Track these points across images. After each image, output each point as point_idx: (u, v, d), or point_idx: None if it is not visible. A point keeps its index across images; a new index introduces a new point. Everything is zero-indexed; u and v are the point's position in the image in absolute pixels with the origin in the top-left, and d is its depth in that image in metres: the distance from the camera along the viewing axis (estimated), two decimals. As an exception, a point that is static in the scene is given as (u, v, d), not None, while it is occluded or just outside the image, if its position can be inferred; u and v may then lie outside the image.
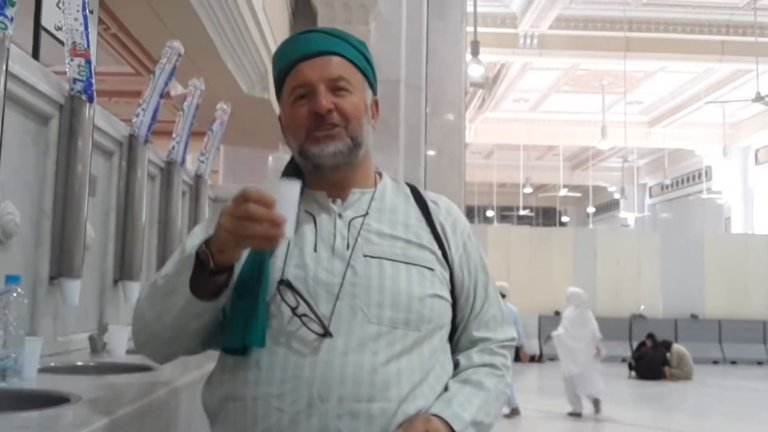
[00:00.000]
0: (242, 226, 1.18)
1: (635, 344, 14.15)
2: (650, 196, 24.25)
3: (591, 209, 24.87)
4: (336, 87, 1.39)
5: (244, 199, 1.19)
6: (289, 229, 1.22)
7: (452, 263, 1.43)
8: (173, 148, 3.68)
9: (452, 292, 1.43)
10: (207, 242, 1.25)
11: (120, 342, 2.63)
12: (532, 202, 26.54)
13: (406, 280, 1.35)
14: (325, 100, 1.37)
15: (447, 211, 1.49)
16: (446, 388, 1.36)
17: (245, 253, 1.34)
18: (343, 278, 1.32)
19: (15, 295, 1.77)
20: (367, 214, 1.41)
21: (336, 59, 1.41)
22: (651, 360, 12.88)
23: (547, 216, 28.57)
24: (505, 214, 28.07)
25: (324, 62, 1.40)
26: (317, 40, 1.43)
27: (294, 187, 1.25)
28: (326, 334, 1.28)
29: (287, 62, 1.42)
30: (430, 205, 1.48)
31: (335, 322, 1.29)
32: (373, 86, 1.49)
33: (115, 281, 3.06)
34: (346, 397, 1.25)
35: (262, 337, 1.29)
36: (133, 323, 1.40)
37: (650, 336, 13.57)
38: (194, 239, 1.38)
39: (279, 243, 1.22)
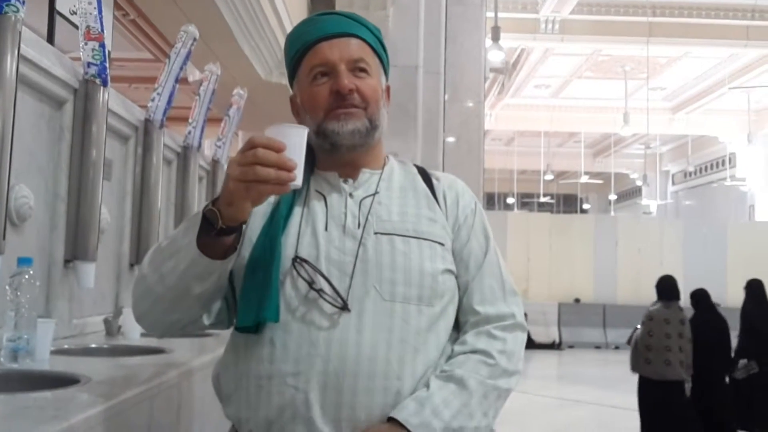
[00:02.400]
0: (251, 171, 1.16)
1: (656, 332, 14.02)
2: (673, 183, 23.99)
3: (613, 196, 24.66)
4: (356, 68, 1.40)
5: (252, 146, 1.17)
6: (297, 175, 1.19)
7: (453, 235, 1.42)
8: (189, 133, 3.70)
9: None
10: (214, 201, 1.24)
11: (135, 325, 2.63)
12: (553, 189, 26.36)
13: (418, 255, 1.34)
14: (348, 80, 1.37)
15: (449, 186, 1.48)
16: (428, 385, 1.29)
17: (257, 231, 1.34)
18: (356, 257, 1.32)
19: (27, 277, 1.79)
20: (377, 192, 1.41)
21: (355, 41, 1.42)
22: (672, 348, 12.75)
23: (568, 203, 28.38)
24: (526, 201, 27.92)
25: (344, 43, 1.41)
26: (337, 21, 1.44)
27: (302, 131, 1.23)
28: (344, 307, 1.27)
29: (306, 42, 1.42)
30: (434, 182, 1.48)
31: (349, 301, 1.29)
32: (386, 72, 1.50)
33: (131, 265, 3.08)
34: (361, 374, 1.25)
35: (276, 312, 1.27)
36: (134, 290, 1.37)
37: (672, 324, 13.44)
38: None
39: (289, 189, 1.20)
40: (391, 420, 1.24)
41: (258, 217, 1.35)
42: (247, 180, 1.17)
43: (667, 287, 6.30)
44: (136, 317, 1.40)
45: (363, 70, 1.40)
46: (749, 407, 6.50)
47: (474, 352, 1.34)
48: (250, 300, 1.30)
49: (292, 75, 1.48)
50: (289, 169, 1.17)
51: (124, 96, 3.07)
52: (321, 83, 1.39)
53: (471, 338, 1.36)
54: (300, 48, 1.43)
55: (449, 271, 1.38)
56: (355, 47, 1.41)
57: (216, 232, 1.23)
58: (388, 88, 1.50)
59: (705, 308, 6.68)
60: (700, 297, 6.83)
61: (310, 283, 1.29)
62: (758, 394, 6.57)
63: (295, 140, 1.20)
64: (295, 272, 1.30)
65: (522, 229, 15.86)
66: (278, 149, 1.17)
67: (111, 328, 2.66)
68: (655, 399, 5.99)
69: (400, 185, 1.45)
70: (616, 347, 15.12)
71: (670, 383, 5.81)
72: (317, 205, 1.39)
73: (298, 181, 1.20)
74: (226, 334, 1.44)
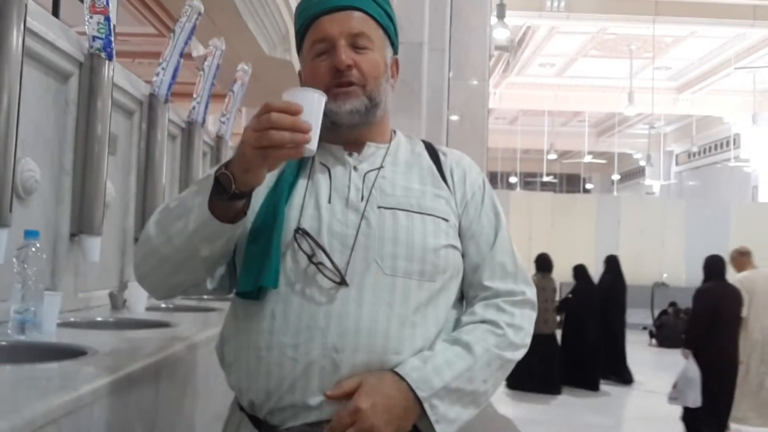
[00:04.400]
0: (266, 136, 1.15)
1: (657, 312, 14.08)
2: (677, 163, 23.91)
3: (616, 176, 24.60)
4: (356, 43, 1.38)
5: (267, 110, 1.16)
6: (313, 139, 1.18)
7: (460, 211, 1.42)
8: (194, 108, 3.69)
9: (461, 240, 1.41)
10: (226, 165, 1.23)
11: (140, 299, 2.66)
12: (556, 168, 26.28)
13: (421, 230, 1.34)
14: (345, 55, 1.36)
15: (457, 162, 1.47)
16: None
17: (260, 199, 1.34)
18: (358, 230, 1.32)
19: (34, 249, 1.80)
20: (382, 167, 1.40)
21: (357, 14, 1.39)
22: (672, 328, 12.82)
23: (571, 183, 28.32)
24: (529, 181, 27.87)
25: (345, 17, 1.38)
26: None
27: (319, 96, 1.22)
28: (342, 282, 1.27)
29: (308, 16, 1.41)
30: (441, 157, 1.47)
31: (350, 274, 1.28)
32: (394, 44, 1.47)
33: (136, 239, 3.08)
34: (361, 348, 1.25)
35: (276, 278, 1.28)
36: (137, 251, 1.37)
37: (672, 304, 13.50)
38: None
39: (304, 152, 1.19)
40: (395, 373, 1.25)
41: (262, 185, 1.35)
42: (261, 146, 1.16)
43: (543, 262, 8.32)
44: (138, 278, 1.40)
45: (364, 45, 1.38)
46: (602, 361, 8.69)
47: (483, 321, 1.35)
48: (251, 266, 1.30)
49: (299, 49, 1.47)
50: (304, 132, 1.17)
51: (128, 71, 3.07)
52: (321, 60, 1.38)
53: (480, 309, 1.37)
54: (303, 23, 1.42)
55: (452, 246, 1.38)
56: (356, 21, 1.39)
57: (229, 196, 1.23)
58: (395, 62, 1.47)
59: (583, 280, 8.73)
60: (580, 271, 8.81)
61: (310, 256, 1.29)
62: (611, 350, 8.76)
63: (311, 104, 1.19)
64: (296, 244, 1.30)
65: (524, 208, 15.84)
66: (294, 112, 1.16)
67: (116, 301, 2.68)
68: (538, 350, 7.79)
69: (406, 160, 1.44)
70: (617, 326, 15.19)
71: (546, 336, 7.79)
72: (321, 178, 1.38)
73: (313, 145, 1.19)
74: (227, 299, 1.44)
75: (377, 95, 1.39)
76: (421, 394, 1.24)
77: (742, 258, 6.73)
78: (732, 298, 5.96)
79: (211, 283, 1.40)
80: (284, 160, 1.23)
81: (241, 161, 1.20)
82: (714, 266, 6.11)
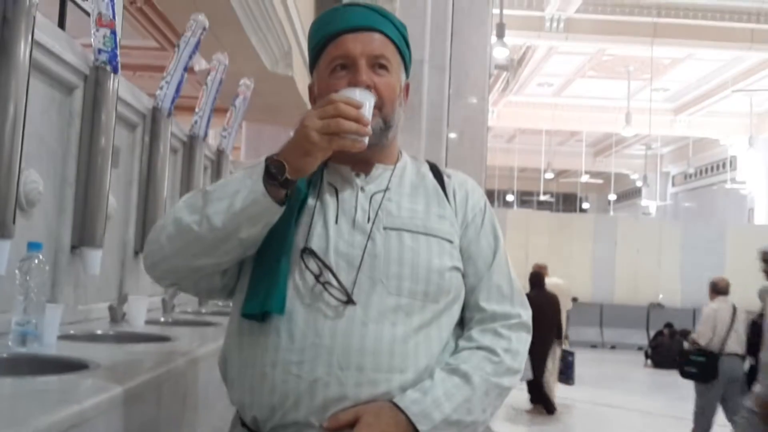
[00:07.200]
0: (335, 123, 1.23)
1: (652, 333, 14.07)
2: (673, 184, 23.99)
3: (612, 196, 24.66)
4: (376, 64, 1.39)
5: (331, 101, 1.24)
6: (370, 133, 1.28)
7: (460, 232, 1.43)
8: (196, 122, 3.70)
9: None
10: (276, 154, 1.28)
11: (139, 312, 2.65)
12: (553, 187, 26.36)
13: (426, 251, 1.35)
14: (366, 75, 1.37)
15: (460, 184, 1.49)
16: (432, 377, 1.31)
17: None
18: (364, 250, 1.33)
19: (37, 261, 1.79)
20: (388, 188, 1.42)
21: (378, 36, 1.41)
22: (668, 349, 12.82)
23: (567, 202, 28.38)
24: (526, 199, 27.93)
25: (367, 38, 1.40)
26: (362, 14, 1.42)
27: (372, 96, 1.32)
28: (349, 301, 1.28)
29: (329, 32, 1.42)
30: (445, 179, 1.49)
31: (356, 293, 1.29)
32: (407, 69, 1.49)
33: (136, 252, 3.08)
34: (366, 367, 1.26)
35: (282, 304, 1.29)
36: (157, 234, 1.34)
37: (668, 325, 13.50)
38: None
39: (365, 145, 1.28)
40: (393, 405, 1.26)
41: None
42: (329, 132, 1.23)
43: None
44: (153, 261, 1.36)
45: (383, 66, 1.40)
46: None
47: (479, 348, 1.36)
48: (257, 289, 1.31)
49: (312, 63, 1.48)
50: (365, 125, 1.25)
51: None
52: (339, 76, 1.39)
53: (476, 335, 1.38)
54: (323, 37, 1.42)
55: (456, 268, 1.39)
56: (377, 42, 1.40)
57: (280, 182, 1.26)
58: (407, 87, 1.49)
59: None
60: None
61: (317, 276, 1.30)
62: None
63: (366, 102, 1.29)
64: (303, 264, 1.31)
65: (521, 227, 15.88)
66: (357, 106, 1.24)
67: (115, 314, 2.67)
68: None
69: (411, 182, 1.46)
70: (612, 347, 15.18)
71: None
72: (329, 198, 1.39)
73: (366, 141, 1.28)
74: (226, 324, 1.44)
75: (392, 118, 1.41)
76: (421, 428, 1.25)
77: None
78: (546, 303, 8.02)
79: (221, 280, 1.40)
80: (345, 149, 1.28)
81: (304, 145, 1.25)
82: (535, 279, 8.37)
